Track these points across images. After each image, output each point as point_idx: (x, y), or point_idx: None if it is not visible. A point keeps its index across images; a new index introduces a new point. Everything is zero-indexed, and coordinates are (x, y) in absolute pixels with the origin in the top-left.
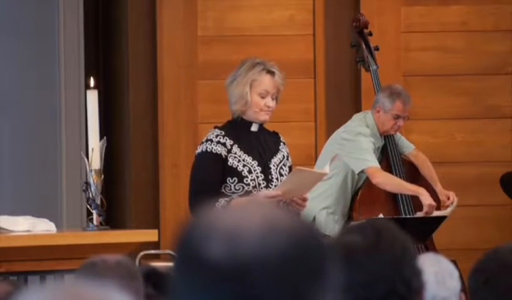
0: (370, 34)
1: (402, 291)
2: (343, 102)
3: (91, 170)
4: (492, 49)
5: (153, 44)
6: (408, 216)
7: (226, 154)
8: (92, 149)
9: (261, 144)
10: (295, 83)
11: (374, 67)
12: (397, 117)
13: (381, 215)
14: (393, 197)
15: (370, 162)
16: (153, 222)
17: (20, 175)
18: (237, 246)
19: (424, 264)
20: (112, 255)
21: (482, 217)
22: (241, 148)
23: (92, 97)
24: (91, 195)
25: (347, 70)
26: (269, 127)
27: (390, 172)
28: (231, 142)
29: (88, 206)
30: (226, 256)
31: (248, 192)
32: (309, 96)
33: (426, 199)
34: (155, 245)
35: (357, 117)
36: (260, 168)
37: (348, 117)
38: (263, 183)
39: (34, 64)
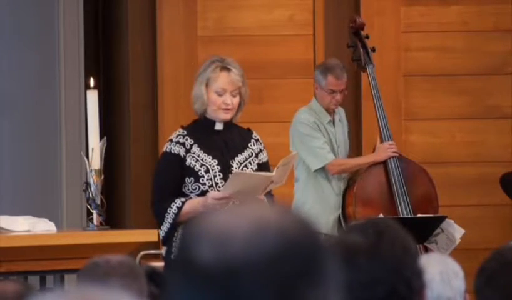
0: (367, 36)
1: (403, 291)
2: (343, 102)
3: (91, 170)
4: (492, 49)
5: (153, 44)
6: (408, 216)
7: (184, 154)
8: (92, 149)
9: (226, 142)
10: (295, 83)
11: (371, 66)
12: (332, 91)
13: (381, 215)
14: (389, 193)
15: (321, 160)
16: (153, 222)
17: (20, 175)
18: (225, 249)
19: (430, 264)
20: (115, 255)
21: (482, 217)
22: (201, 148)
23: (92, 97)
24: (91, 195)
25: (346, 70)
26: (269, 127)
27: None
28: (192, 142)
29: (88, 206)
30: (215, 259)
31: (204, 192)
32: (309, 96)
33: (382, 157)
34: (155, 245)
35: (303, 107)
36: (219, 167)
37: (348, 117)
38: (221, 182)
39: (34, 64)
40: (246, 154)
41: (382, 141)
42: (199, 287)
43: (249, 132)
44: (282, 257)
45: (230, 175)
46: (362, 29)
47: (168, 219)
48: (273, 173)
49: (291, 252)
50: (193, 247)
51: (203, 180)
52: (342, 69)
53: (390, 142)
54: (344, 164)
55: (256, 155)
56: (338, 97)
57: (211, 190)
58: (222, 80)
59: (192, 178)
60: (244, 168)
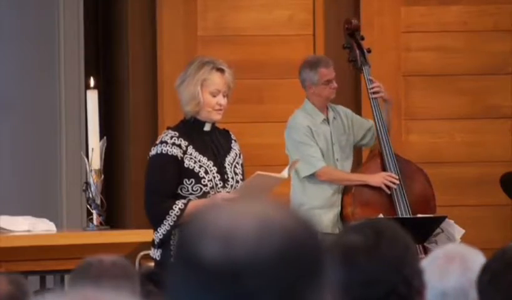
0: (363, 38)
1: (403, 291)
2: (343, 102)
3: (91, 170)
4: (492, 49)
5: (153, 44)
6: (407, 216)
7: (182, 155)
8: (92, 149)
9: (215, 143)
10: (294, 83)
11: (367, 66)
12: (328, 81)
13: (381, 216)
14: (388, 193)
15: (310, 168)
16: None
17: (20, 175)
18: (231, 246)
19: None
20: (109, 255)
21: (482, 217)
22: (196, 149)
23: (92, 97)
24: (91, 195)
25: (346, 71)
26: (269, 127)
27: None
28: (186, 143)
29: (88, 206)
30: (220, 256)
31: (205, 193)
32: None
33: (375, 181)
34: None
35: (298, 110)
36: (215, 168)
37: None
38: (220, 183)
39: (34, 64)
40: (232, 154)
41: (379, 143)
42: (204, 284)
43: (227, 132)
44: (288, 257)
45: (252, 175)
46: (358, 30)
47: (169, 221)
48: (286, 175)
49: (296, 253)
50: (197, 244)
51: (204, 181)
52: (325, 58)
53: (394, 175)
54: (333, 174)
55: (239, 156)
56: (334, 84)
57: (212, 191)
58: (217, 81)
59: (192, 179)
60: (234, 168)
